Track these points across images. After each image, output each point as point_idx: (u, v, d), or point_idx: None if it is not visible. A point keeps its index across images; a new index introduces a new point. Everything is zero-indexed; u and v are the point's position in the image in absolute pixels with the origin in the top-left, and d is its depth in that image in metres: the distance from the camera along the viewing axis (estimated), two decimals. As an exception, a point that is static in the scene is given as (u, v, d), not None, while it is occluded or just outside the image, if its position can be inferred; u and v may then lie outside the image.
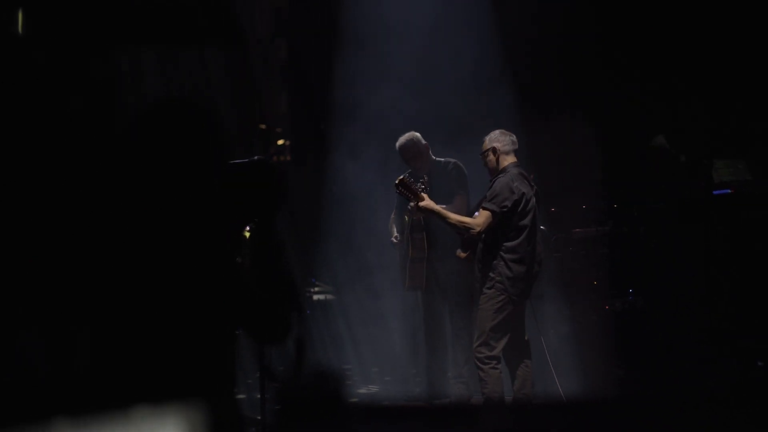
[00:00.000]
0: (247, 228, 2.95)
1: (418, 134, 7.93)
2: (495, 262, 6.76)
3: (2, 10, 4.63)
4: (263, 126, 10.21)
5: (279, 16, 10.41)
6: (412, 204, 7.12)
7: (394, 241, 8.10)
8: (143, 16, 5.02)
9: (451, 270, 7.73)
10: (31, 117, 4.22)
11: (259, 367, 5.78)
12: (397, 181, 7.12)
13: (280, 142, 10.68)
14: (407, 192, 7.05)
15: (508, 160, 6.92)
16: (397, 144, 7.94)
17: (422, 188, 7.07)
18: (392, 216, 8.24)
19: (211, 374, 2.60)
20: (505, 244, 6.75)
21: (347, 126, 9.61)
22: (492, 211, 6.70)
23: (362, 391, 8.72)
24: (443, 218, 6.93)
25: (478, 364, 6.75)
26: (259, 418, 5.91)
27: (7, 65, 4.34)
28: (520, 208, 6.73)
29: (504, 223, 6.74)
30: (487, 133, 7.05)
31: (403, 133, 7.98)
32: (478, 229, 6.75)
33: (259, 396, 5.88)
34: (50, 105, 4.43)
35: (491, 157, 6.97)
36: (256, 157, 2.95)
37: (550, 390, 7.09)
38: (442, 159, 7.95)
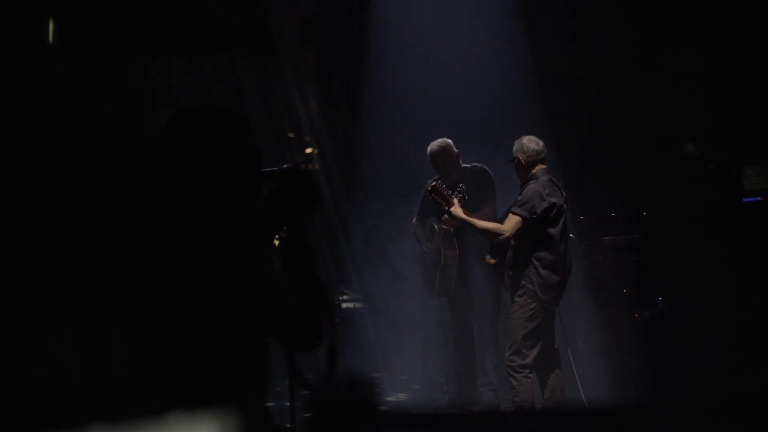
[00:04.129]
0: (278, 236, 2.96)
1: (450, 141, 7.81)
2: (526, 269, 6.74)
3: (33, 19, 4.68)
4: (291, 134, 10.25)
5: (307, 25, 10.45)
6: (448, 208, 7.12)
7: (425, 250, 8.04)
8: (173, 25, 5.07)
9: (479, 276, 7.72)
10: (65, 124, 4.26)
11: (288, 375, 5.78)
12: (429, 188, 7.23)
13: (308, 150, 10.70)
14: (439, 198, 7.13)
15: (537, 167, 6.91)
16: (429, 149, 7.83)
17: (459, 197, 7.08)
18: (414, 221, 8.18)
19: (243, 381, 2.62)
20: (536, 252, 6.73)
21: (375, 133, 9.63)
22: (522, 217, 6.69)
23: (391, 399, 8.71)
24: (472, 224, 6.95)
25: (511, 372, 6.73)
26: (288, 426, 5.90)
27: (38, 73, 4.39)
28: (551, 216, 6.71)
29: (534, 230, 6.72)
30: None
31: (431, 140, 7.89)
32: (507, 234, 6.73)
33: (288, 404, 5.88)
34: (83, 112, 4.47)
35: (516, 165, 6.97)
36: (285, 165, 2.96)
37: (577, 398, 7.07)
38: (468, 165, 7.89)
